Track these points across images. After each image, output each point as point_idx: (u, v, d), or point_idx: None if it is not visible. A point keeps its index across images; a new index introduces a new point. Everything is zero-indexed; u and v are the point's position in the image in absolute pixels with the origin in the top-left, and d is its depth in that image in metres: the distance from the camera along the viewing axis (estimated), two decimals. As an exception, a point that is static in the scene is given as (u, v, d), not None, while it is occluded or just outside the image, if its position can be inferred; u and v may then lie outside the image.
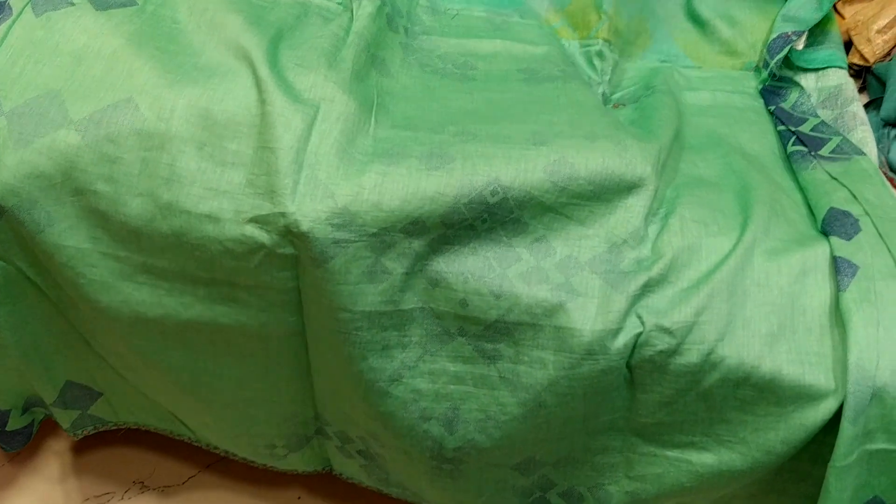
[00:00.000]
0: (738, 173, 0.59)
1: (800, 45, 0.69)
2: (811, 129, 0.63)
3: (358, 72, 0.57)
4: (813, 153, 0.60)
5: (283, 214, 0.50)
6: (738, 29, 0.72)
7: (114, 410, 0.69)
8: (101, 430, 0.71)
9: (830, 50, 0.69)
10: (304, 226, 0.49)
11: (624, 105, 0.65)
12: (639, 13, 0.72)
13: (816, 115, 0.65)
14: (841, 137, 0.62)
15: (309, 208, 0.49)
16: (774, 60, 0.67)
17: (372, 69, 0.60)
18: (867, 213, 0.54)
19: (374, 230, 0.50)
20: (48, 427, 0.77)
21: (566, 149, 0.52)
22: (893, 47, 0.71)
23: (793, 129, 0.63)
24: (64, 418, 0.68)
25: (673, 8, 0.73)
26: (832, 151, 0.60)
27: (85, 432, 0.70)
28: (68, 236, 0.53)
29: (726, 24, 0.72)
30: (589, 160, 0.52)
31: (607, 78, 0.67)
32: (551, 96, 0.60)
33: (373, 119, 0.55)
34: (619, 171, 0.52)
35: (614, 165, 0.52)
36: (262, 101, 0.52)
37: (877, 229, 0.53)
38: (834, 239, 0.53)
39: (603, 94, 0.66)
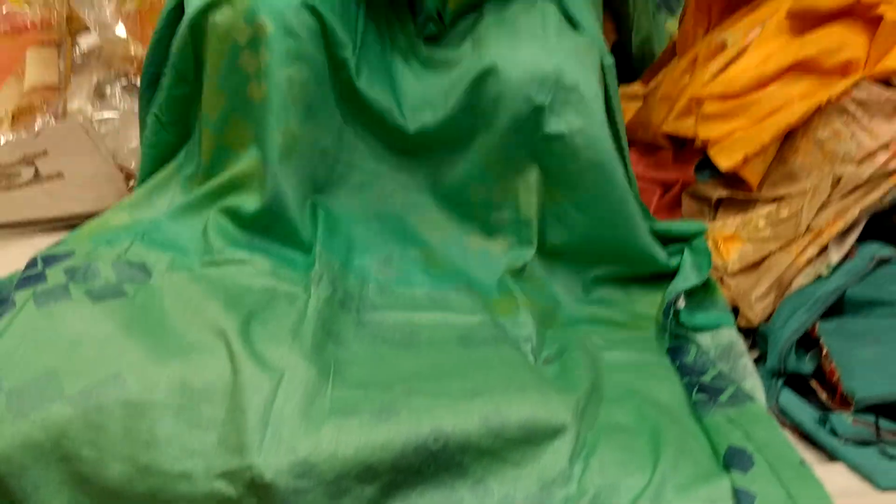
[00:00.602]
0: (649, 420, 0.67)
1: (681, 303, 0.82)
2: (711, 380, 0.73)
3: (317, 344, 0.67)
4: (713, 400, 0.70)
5: (249, 468, 0.56)
6: (636, 308, 0.85)
7: None
8: None
9: (718, 312, 0.82)
10: (268, 477, 0.55)
11: (551, 362, 0.74)
12: (551, 303, 0.85)
13: (715, 366, 0.75)
14: (736, 386, 0.72)
15: (273, 461, 0.56)
16: (668, 323, 0.79)
17: (329, 342, 0.70)
18: (759, 450, 0.63)
19: (331, 478, 0.56)
20: None
21: (498, 401, 0.61)
22: (772, 312, 0.84)
23: (695, 380, 0.73)
24: None
25: (578, 306, 0.86)
26: (729, 398, 0.70)
27: None
28: (52, 499, 0.58)
29: (625, 309, 0.85)
30: (519, 409, 0.61)
31: (533, 339, 0.77)
32: (485, 357, 0.70)
33: (330, 383, 0.64)
34: (545, 418, 0.61)
35: (540, 413, 0.61)
36: (235, 371, 0.61)
37: (768, 463, 0.61)
38: (734, 472, 0.61)
39: (532, 351, 0.76)
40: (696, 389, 0.72)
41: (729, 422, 0.67)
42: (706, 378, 0.73)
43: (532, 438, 0.60)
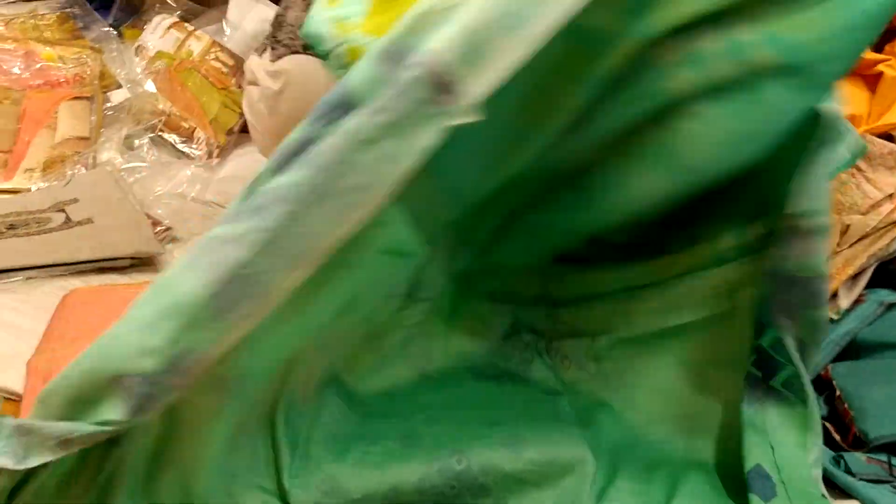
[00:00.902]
0: (670, 460, 0.68)
1: None
2: (770, 344, 0.63)
3: (338, 376, 0.69)
4: (765, 383, 0.64)
5: (279, 485, 0.58)
6: None
7: None
8: None
9: None
10: (296, 495, 0.57)
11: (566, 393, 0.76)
12: None
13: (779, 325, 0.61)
14: (793, 370, 0.62)
15: (302, 480, 0.58)
16: None
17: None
18: (782, 482, 0.63)
19: (358, 496, 0.58)
20: None
21: (517, 426, 0.63)
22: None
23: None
24: None
25: None
26: (783, 384, 0.64)
27: None
28: None
29: None
30: (536, 434, 0.63)
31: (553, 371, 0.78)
32: (498, 391, 0.72)
33: (355, 412, 0.66)
34: (563, 443, 0.63)
35: (559, 439, 0.63)
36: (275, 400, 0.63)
37: (788, 496, 0.62)
38: (754, 497, 0.61)
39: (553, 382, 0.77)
40: (752, 359, 0.64)
41: (765, 434, 0.64)
42: (766, 340, 0.64)
43: (553, 461, 0.62)
